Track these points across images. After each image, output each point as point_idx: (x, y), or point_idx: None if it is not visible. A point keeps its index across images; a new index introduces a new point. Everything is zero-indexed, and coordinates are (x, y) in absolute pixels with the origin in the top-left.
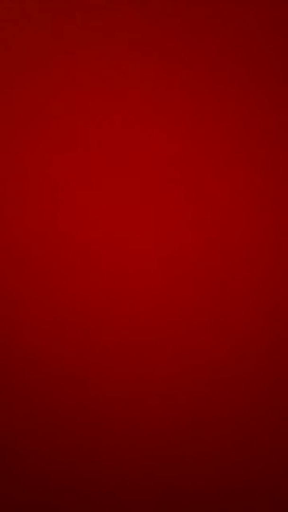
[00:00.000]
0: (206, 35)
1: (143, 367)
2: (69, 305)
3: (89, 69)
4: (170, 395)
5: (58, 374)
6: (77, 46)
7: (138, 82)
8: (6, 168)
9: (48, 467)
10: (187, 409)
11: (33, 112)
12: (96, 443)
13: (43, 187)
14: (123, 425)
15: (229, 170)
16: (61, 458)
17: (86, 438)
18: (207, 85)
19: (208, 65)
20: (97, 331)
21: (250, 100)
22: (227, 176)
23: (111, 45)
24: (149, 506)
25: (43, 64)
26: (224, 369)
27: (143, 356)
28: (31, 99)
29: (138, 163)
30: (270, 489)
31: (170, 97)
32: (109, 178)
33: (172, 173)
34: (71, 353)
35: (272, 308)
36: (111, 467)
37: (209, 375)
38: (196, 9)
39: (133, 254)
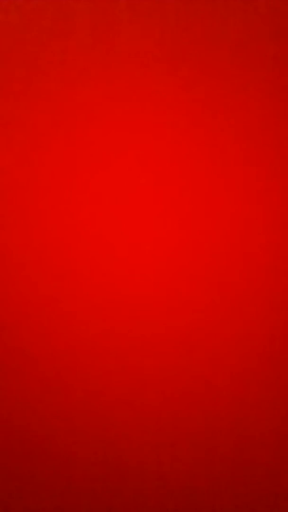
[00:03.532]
0: (207, 33)
1: (143, 369)
2: (67, 308)
3: (88, 69)
4: (170, 396)
5: (58, 377)
6: (75, 44)
7: (138, 79)
8: (4, 169)
9: (48, 468)
10: (187, 414)
11: (33, 113)
12: (96, 446)
13: (41, 189)
14: (123, 428)
15: (229, 171)
16: (61, 458)
17: (86, 445)
18: (209, 81)
19: (208, 61)
20: (96, 333)
21: (250, 97)
22: (227, 178)
23: (109, 43)
24: (149, 505)
25: (43, 64)
26: (225, 369)
27: (143, 359)
28: (30, 100)
29: (136, 163)
30: (270, 489)
31: (169, 95)
32: (108, 179)
33: (171, 175)
34: (71, 355)
35: (272, 308)
36: (111, 465)
37: (210, 377)
38: (194, 11)
39: (132, 258)
